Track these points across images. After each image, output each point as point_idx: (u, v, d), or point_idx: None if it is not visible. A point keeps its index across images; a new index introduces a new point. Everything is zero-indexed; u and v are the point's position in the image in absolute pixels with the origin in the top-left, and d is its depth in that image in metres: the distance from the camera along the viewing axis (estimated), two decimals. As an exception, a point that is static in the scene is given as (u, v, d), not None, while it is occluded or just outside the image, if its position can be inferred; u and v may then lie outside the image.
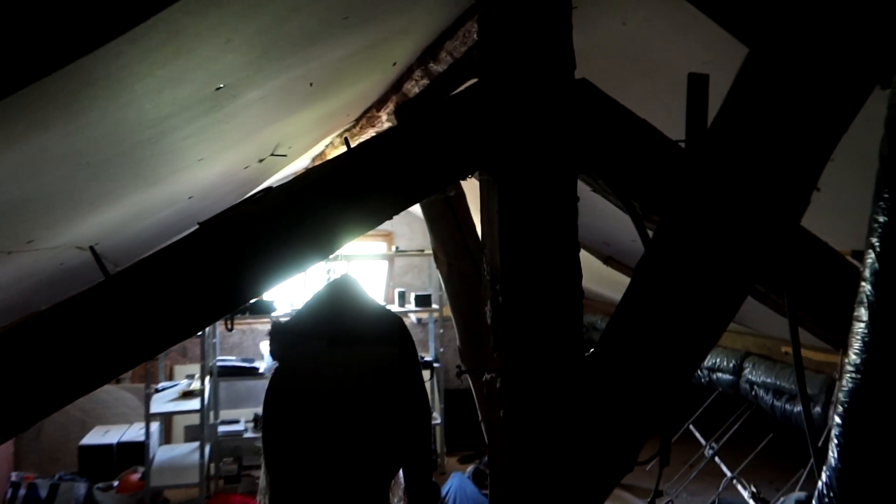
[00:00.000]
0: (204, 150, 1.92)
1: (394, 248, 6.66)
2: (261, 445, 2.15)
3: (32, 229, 1.63)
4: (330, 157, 4.12)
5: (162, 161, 1.75)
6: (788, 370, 3.54)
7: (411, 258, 6.77)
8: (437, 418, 5.87)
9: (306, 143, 3.53)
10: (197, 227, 1.29)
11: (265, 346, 5.18)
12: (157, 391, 5.13)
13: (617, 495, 5.12)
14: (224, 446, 5.40)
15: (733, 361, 3.92)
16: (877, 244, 1.13)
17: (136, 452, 5.11)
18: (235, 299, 1.33)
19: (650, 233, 1.51)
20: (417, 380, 2.25)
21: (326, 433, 2.04)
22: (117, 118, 1.17)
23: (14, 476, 5.10)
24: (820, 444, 1.76)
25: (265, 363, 5.32)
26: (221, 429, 5.32)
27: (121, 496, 4.88)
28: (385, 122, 3.03)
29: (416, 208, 4.08)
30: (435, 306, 6.08)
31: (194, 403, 4.86)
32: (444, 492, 4.96)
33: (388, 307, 3.20)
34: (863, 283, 1.16)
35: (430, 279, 6.31)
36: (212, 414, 5.36)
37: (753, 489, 4.10)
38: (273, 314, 5.39)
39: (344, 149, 1.40)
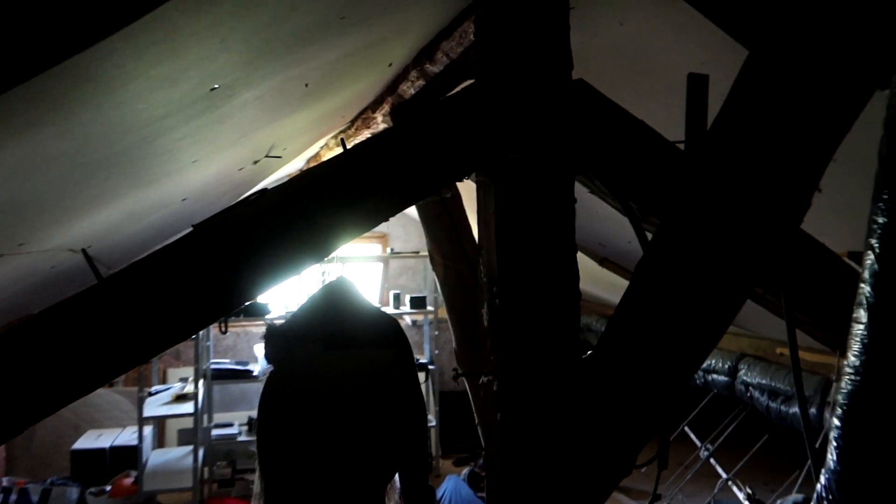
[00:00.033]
0: (198, 151, 1.91)
1: (389, 250, 6.65)
2: (255, 449, 2.13)
3: (24, 232, 1.61)
4: (325, 158, 4.11)
5: (156, 162, 1.73)
6: (783, 371, 3.54)
7: (406, 260, 6.75)
8: (432, 420, 5.85)
9: (301, 144, 3.52)
10: (191, 229, 1.27)
11: (260, 349, 5.17)
12: (151, 394, 5.10)
13: (612, 497, 5.11)
14: (218, 450, 5.37)
15: (728, 363, 3.92)
16: (876, 245, 1.12)
17: (129, 456, 5.07)
18: (230, 302, 1.31)
19: (648, 235, 1.50)
20: (414, 382, 2.24)
21: (323, 437, 2.03)
22: (110, 118, 1.16)
23: (5, 481, 5.05)
24: (816, 445, 1.75)
25: (260, 366, 5.30)
26: (215, 432, 5.29)
27: (113, 501, 4.84)
28: (381, 123, 3.02)
29: (412, 210, 4.07)
30: (430, 308, 6.07)
31: (188, 407, 4.83)
32: (439, 494, 4.94)
33: (384, 309, 3.19)
34: (862, 285, 1.15)
35: (425, 281, 6.29)
36: (205, 417, 5.33)
37: (749, 491, 4.10)
38: (268, 317, 5.36)
39: (339, 150, 1.39)
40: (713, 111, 1.28)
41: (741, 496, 4.14)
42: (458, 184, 2.85)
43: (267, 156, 2.81)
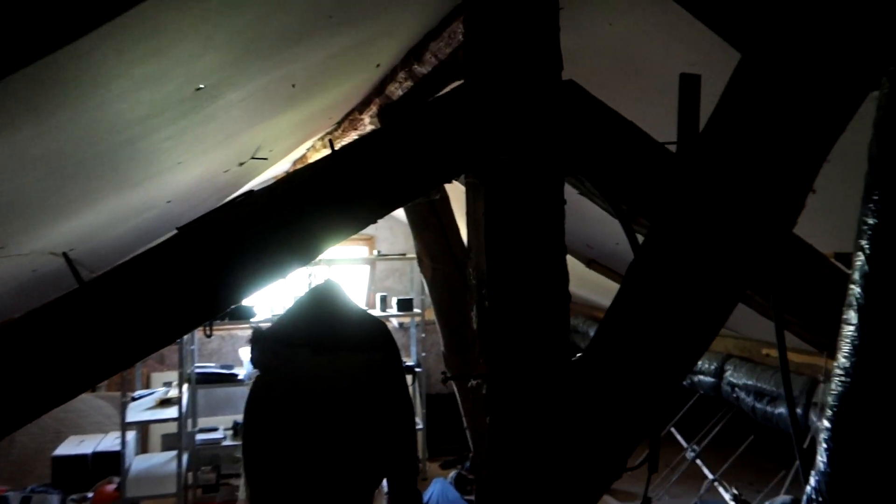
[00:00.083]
0: (183, 152, 1.88)
1: (375, 252, 6.63)
2: (240, 455, 2.11)
3: (3, 235, 1.58)
4: (312, 160, 4.08)
5: (140, 164, 1.71)
6: (769, 372, 3.56)
7: (393, 262, 6.73)
8: (418, 423, 5.84)
9: (288, 146, 3.49)
10: (176, 231, 1.25)
11: (245, 353, 5.12)
12: (134, 399, 5.04)
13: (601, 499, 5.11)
14: (202, 455, 5.32)
15: (714, 364, 3.94)
16: (866, 247, 1.12)
17: (111, 462, 5.00)
18: (215, 306, 1.29)
19: (638, 237, 1.50)
20: (401, 386, 2.22)
21: (310, 442, 2.00)
22: (92, 119, 1.13)
23: (-15, 488, 4.97)
24: (804, 446, 1.76)
25: (245, 370, 5.25)
26: (199, 437, 5.24)
27: (96, 507, 4.78)
28: (368, 124, 3.00)
29: (399, 212, 4.06)
30: (417, 310, 6.06)
31: (172, 411, 4.77)
32: (425, 498, 4.92)
33: (371, 312, 3.18)
34: (852, 286, 1.15)
35: (412, 283, 6.28)
36: (190, 422, 5.27)
37: (735, 491, 4.13)
38: (253, 320, 5.32)
39: (326, 152, 1.37)
40: (702, 112, 1.28)
41: (727, 497, 4.16)
42: (446, 186, 2.85)
43: (253, 157, 2.79)
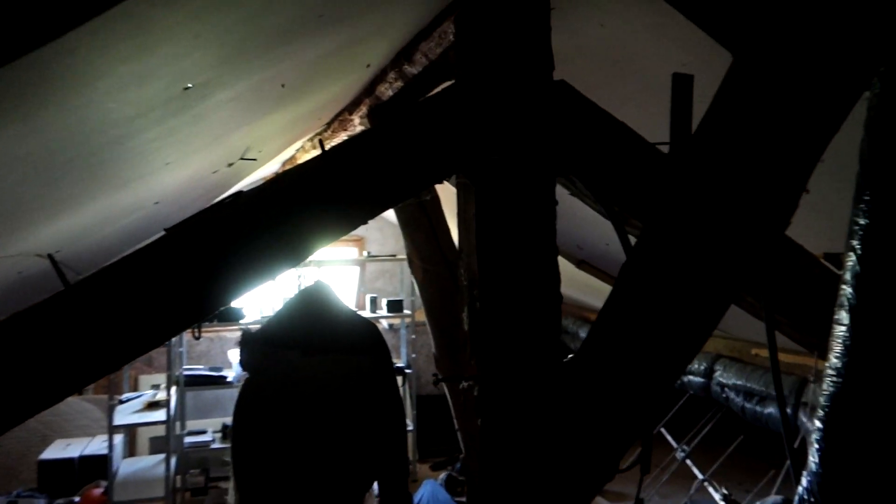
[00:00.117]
0: (171, 153, 1.86)
1: (365, 253, 6.61)
2: (229, 458, 2.09)
3: (-13, 236, 1.55)
4: (301, 161, 4.06)
5: (127, 164, 1.69)
6: (759, 372, 3.58)
7: (383, 263, 6.72)
8: (409, 425, 5.83)
9: (277, 146, 3.47)
10: (164, 233, 1.24)
11: (234, 355, 5.09)
12: (121, 402, 4.99)
13: (590, 500, 5.10)
14: (191, 458, 5.28)
15: (704, 364, 3.95)
16: (857, 247, 1.12)
17: (98, 466, 4.96)
18: (204, 308, 1.28)
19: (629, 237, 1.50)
20: (392, 388, 2.21)
21: (300, 445, 1.99)
22: (78, 118, 1.12)
23: (-31, 493, 4.91)
24: (794, 446, 1.76)
25: (234, 372, 5.22)
26: (188, 440, 5.20)
27: (83, 512, 4.74)
28: (358, 125, 2.99)
29: (389, 213, 4.04)
30: (407, 312, 6.04)
31: (160, 414, 4.73)
32: (416, 499, 4.90)
33: (360, 313, 3.16)
34: (843, 286, 1.15)
35: (402, 284, 6.27)
36: (178, 424, 5.23)
37: (724, 491, 4.14)
38: (242, 322, 5.29)
39: (316, 153, 1.36)
40: (695, 112, 1.27)
41: (717, 497, 4.17)
42: (437, 186, 2.84)
43: (242, 158, 2.77)
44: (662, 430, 4.84)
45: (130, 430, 5.54)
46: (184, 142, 1.85)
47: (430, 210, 2.91)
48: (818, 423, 1.19)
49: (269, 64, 1.56)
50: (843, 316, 1.15)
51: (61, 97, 0.97)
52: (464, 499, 5.00)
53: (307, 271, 5.51)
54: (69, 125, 1.13)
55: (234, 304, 5.23)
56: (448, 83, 1.68)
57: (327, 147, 1.37)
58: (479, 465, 1.42)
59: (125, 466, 5.07)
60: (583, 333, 5.24)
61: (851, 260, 1.14)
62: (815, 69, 1.08)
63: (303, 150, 4.20)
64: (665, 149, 1.43)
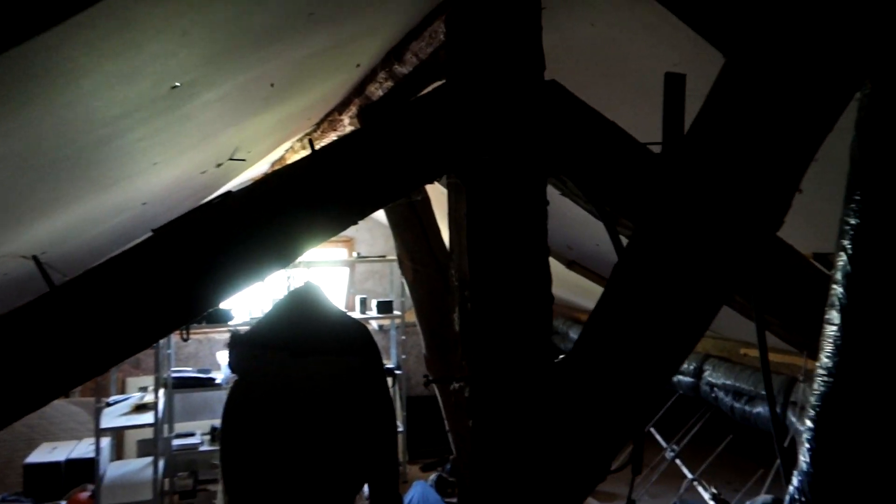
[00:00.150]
0: (159, 153, 1.84)
1: (355, 254, 6.59)
2: (218, 461, 2.07)
3: (-30, 237, 1.53)
4: (290, 161, 4.04)
5: (114, 164, 1.67)
6: (748, 372, 3.60)
7: (373, 264, 6.70)
8: (399, 426, 5.82)
9: (266, 147, 3.45)
10: (151, 233, 1.22)
11: (223, 357, 5.06)
12: (108, 405, 4.95)
13: (581, 500, 5.11)
14: (179, 460, 5.24)
15: (693, 364, 3.97)
16: (848, 247, 1.13)
17: (85, 470, 4.91)
18: (192, 309, 1.27)
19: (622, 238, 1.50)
20: (383, 390, 2.20)
21: (289, 447, 1.97)
22: (63, 116, 1.10)
23: (-46, 498, 4.85)
24: (784, 445, 1.77)
25: (223, 374, 5.19)
26: (176, 442, 5.16)
27: (69, 516, 4.69)
28: (347, 125, 2.98)
29: (379, 213, 4.03)
30: (397, 312, 6.03)
31: (147, 417, 4.70)
32: (406, 500, 4.89)
33: (350, 314, 3.15)
34: (834, 286, 1.16)
35: (392, 285, 6.25)
36: (166, 427, 5.20)
37: (714, 490, 4.16)
38: (231, 323, 5.26)
39: (305, 153, 1.35)
40: (686, 112, 1.27)
41: (706, 496, 4.19)
42: (427, 187, 2.83)
43: (231, 159, 2.75)
44: (652, 429, 4.85)
45: (118, 433, 5.50)
46: (171, 142, 1.83)
47: (420, 210, 2.90)
48: (809, 423, 1.19)
49: (258, 63, 1.55)
50: (834, 316, 1.15)
51: (47, 95, 0.95)
52: (454, 500, 4.99)
53: (296, 272, 5.48)
54: (53, 124, 1.11)
55: (223, 305, 5.20)
56: (438, 83, 1.67)
57: (317, 147, 1.36)
58: (470, 466, 1.41)
59: (112, 470, 5.02)
60: (573, 334, 5.25)
61: (842, 260, 1.14)
62: (807, 69, 1.08)
63: (292, 151, 4.18)
64: (656, 148, 1.43)
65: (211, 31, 1.13)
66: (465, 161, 1.38)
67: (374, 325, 6.55)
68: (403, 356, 6.18)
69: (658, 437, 4.80)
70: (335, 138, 3.07)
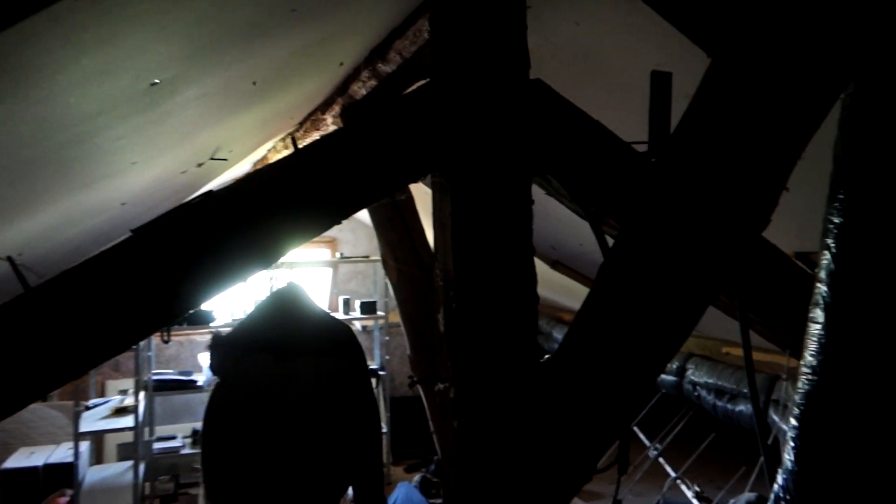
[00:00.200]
0: (138, 152, 1.81)
1: (338, 255, 6.56)
2: (200, 464, 2.04)
3: (-58, 237, 1.49)
4: (273, 161, 4.01)
5: (91, 163, 1.64)
6: (730, 370, 3.63)
7: (356, 265, 6.68)
8: (383, 427, 5.80)
9: (248, 146, 3.42)
10: (130, 234, 1.20)
11: (205, 359, 5.00)
12: (88, 408, 4.89)
13: (565, 499, 5.12)
14: (160, 464, 5.19)
15: (676, 363, 3.99)
16: (832, 245, 1.13)
17: (64, 474, 4.83)
18: (173, 311, 1.25)
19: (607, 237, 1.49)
20: (367, 392, 2.18)
21: (272, 450, 1.95)
22: (38, 113, 1.07)
23: (-73, 504, 4.75)
24: (768, 443, 1.78)
25: (205, 376, 5.14)
26: (157, 445, 5.11)
27: (47, 522, 4.62)
28: (330, 124, 2.96)
29: (362, 214, 4.01)
30: (380, 313, 6.02)
31: (128, 420, 4.64)
32: (390, 501, 4.88)
33: (334, 315, 3.13)
34: (818, 285, 1.16)
35: (375, 286, 6.23)
36: (147, 430, 5.14)
37: (697, 488, 4.19)
38: (212, 324, 5.22)
39: (288, 153, 1.34)
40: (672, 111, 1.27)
41: (689, 494, 4.21)
42: (411, 186, 2.82)
43: (212, 158, 2.72)
44: (635, 428, 4.87)
45: (97, 437, 5.43)
46: (151, 140, 1.80)
47: (404, 210, 2.88)
48: (794, 422, 1.19)
49: (240, 60, 1.53)
50: (818, 314, 1.16)
51: (20, 90, 0.92)
52: (438, 501, 4.98)
53: (279, 273, 5.44)
54: (29, 121, 1.08)
55: (205, 306, 5.15)
56: (423, 82, 1.66)
57: (300, 146, 1.35)
58: (455, 467, 1.40)
59: (92, 474, 4.96)
60: (557, 334, 5.26)
61: (826, 258, 1.14)
62: (793, 69, 1.08)
63: (275, 151, 4.15)
64: (641, 148, 1.43)
65: (189, 27, 1.11)
66: (450, 160, 1.37)
67: (357, 325, 6.52)
68: (387, 357, 6.16)
69: (641, 436, 4.82)
70: (318, 137, 3.06)
